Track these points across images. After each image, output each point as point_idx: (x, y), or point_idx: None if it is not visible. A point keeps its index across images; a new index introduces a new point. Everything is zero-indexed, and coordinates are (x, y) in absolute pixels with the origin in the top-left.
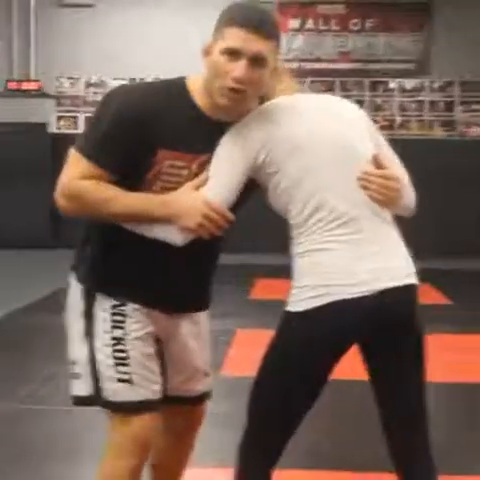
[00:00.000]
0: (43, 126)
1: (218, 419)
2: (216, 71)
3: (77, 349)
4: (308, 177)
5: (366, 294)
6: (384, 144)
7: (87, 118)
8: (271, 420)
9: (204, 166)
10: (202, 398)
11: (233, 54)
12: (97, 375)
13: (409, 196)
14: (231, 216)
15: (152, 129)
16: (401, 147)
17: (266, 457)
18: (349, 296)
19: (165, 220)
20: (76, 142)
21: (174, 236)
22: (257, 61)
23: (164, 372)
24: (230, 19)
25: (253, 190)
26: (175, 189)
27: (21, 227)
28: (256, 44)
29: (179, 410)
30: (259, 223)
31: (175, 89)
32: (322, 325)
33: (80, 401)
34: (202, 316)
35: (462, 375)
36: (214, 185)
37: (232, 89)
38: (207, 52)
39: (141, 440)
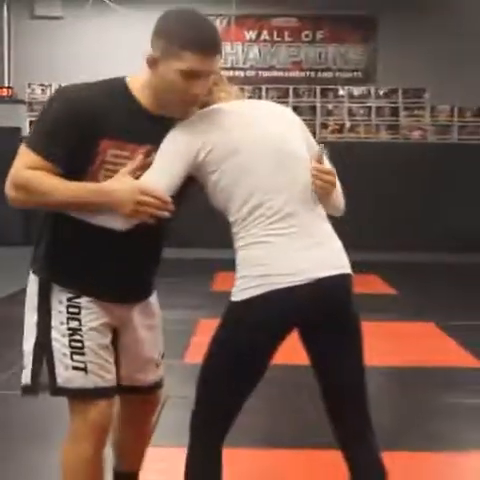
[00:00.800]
0: (18, 130)
1: (183, 402)
2: (173, 88)
3: (25, 340)
4: (246, 176)
5: (303, 283)
6: (315, 145)
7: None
8: (216, 401)
9: (146, 157)
10: (154, 387)
11: (192, 74)
12: (53, 364)
13: (339, 195)
14: (166, 197)
15: (94, 122)
16: (350, 149)
17: (213, 435)
18: (287, 285)
19: (104, 208)
20: (25, 139)
21: (114, 222)
22: (209, 76)
23: (117, 361)
24: (187, 43)
25: (190, 187)
26: None
27: None
28: (211, 64)
29: (133, 399)
30: (219, 219)
31: (117, 86)
32: (262, 313)
33: (24, 390)
34: (156, 309)
35: (404, 359)
36: (152, 175)
37: (191, 102)
38: (153, 63)
39: (98, 425)
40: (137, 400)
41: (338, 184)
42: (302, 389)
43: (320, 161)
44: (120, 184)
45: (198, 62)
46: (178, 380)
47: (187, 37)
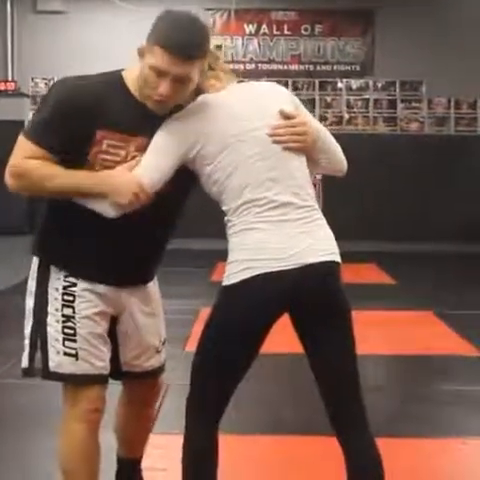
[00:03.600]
0: (21, 123)
1: (185, 390)
2: (145, 82)
3: (25, 325)
4: (239, 171)
5: (290, 268)
6: (311, 119)
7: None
8: (208, 385)
9: (141, 148)
10: (155, 373)
11: (159, 72)
12: (46, 348)
13: (330, 147)
14: (150, 194)
15: (91, 113)
16: (349, 141)
17: (207, 419)
18: (274, 269)
19: (101, 196)
20: (23, 129)
21: (107, 209)
22: (179, 80)
23: (116, 349)
24: (160, 39)
25: (195, 184)
26: (113, 168)
27: (0, 215)
28: (178, 67)
29: (135, 384)
30: (218, 211)
31: (112, 79)
32: (250, 296)
33: (23, 372)
34: (156, 297)
35: (402, 347)
36: (146, 167)
37: (157, 101)
38: (141, 54)
39: (89, 409)
40: (138, 386)
41: (324, 136)
42: (306, 378)
43: (287, 115)
44: (120, 175)
45: (165, 61)
46: (180, 368)
47: (163, 34)
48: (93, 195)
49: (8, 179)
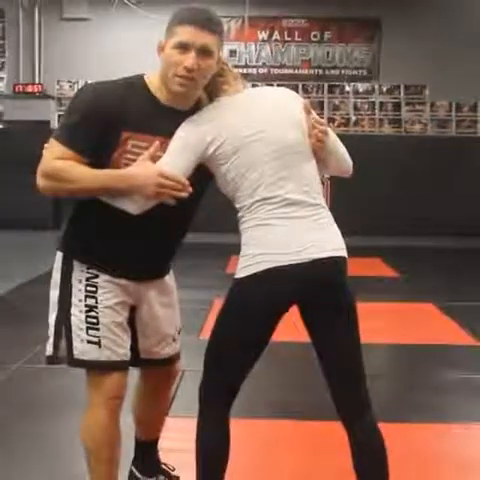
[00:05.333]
0: (47, 123)
1: (199, 376)
2: (169, 63)
3: (50, 314)
4: (252, 170)
5: (299, 262)
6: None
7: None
8: (220, 372)
9: (162, 148)
10: (171, 360)
11: (183, 47)
12: (71, 337)
13: (340, 149)
14: (184, 180)
15: (116, 115)
16: (356, 141)
17: (219, 404)
18: (284, 263)
19: (128, 192)
20: (53, 132)
21: (129, 205)
22: (204, 52)
23: (135, 337)
24: (180, 19)
25: (210, 182)
26: None
27: (26, 210)
28: (202, 38)
29: (153, 371)
30: (232, 207)
31: (136, 82)
32: (262, 288)
33: (48, 360)
34: (172, 288)
35: (403, 337)
36: (167, 161)
37: (183, 76)
38: (161, 49)
39: (111, 394)
40: (155, 372)
41: (334, 139)
42: (312, 365)
43: (308, 110)
44: (141, 169)
45: (188, 35)
46: (195, 355)
47: (184, 14)
48: (121, 192)
49: (39, 180)
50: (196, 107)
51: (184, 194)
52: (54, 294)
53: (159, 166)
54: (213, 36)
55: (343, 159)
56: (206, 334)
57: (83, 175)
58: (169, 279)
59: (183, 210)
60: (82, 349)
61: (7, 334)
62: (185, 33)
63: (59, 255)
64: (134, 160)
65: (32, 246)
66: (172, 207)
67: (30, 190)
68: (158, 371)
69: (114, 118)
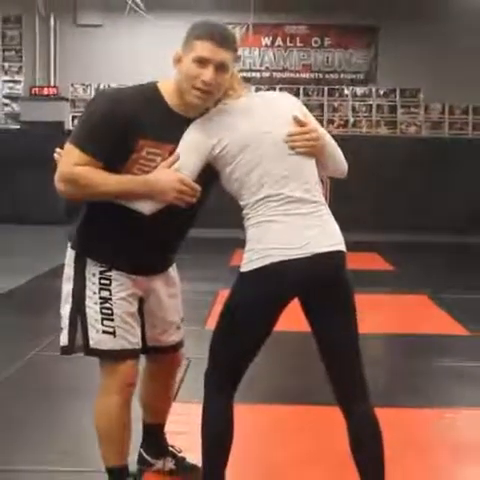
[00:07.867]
0: (61, 124)
1: (204, 363)
2: (188, 76)
3: (63, 307)
4: (256, 170)
5: (301, 256)
6: (318, 126)
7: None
8: (224, 361)
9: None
10: (176, 347)
11: (202, 62)
12: (86, 328)
13: (336, 152)
14: (197, 186)
15: (133, 123)
16: (353, 142)
17: (223, 391)
18: (287, 258)
19: (149, 197)
20: (69, 137)
21: (143, 206)
22: (221, 68)
23: (143, 326)
24: (199, 34)
25: (216, 181)
26: (150, 172)
27: (40, 206)
28: (220, 54)
29: (159, 357)
30: (236, 203)
31: (149, 91)
32: (265, 282)
33: (62, 350)
34: (176, 280)
35: (398, 327)
36: (181, 166)
37: (200, 89)
38: (178, 60)
39: (125, 381)
40: (162, 358)
41: (329, 142)
42: (309, 353)
43: (299, 122)
44: (163, 175)
45: (208, 51)
46: (200, 344)
47: (203, 30)
48: (139, 197)
49: (58, 185)
50: (204, 114)
51: (194, 200)
52: (67, 288)
53: (176, 172)
54: (229, 53)
55: (340, 162)
56: (211, 324)
57: (104, 181)
58: (172, 270)
59: (190, 209)
60: (98, 339)
61: (24, 324)
62: (204, 49)
63: (71, 252)
64: (147, 166)
65: (46, 241)
66: (181, 207)
67: (45, 187)
68: (164, 358)
69: (131, 126)
